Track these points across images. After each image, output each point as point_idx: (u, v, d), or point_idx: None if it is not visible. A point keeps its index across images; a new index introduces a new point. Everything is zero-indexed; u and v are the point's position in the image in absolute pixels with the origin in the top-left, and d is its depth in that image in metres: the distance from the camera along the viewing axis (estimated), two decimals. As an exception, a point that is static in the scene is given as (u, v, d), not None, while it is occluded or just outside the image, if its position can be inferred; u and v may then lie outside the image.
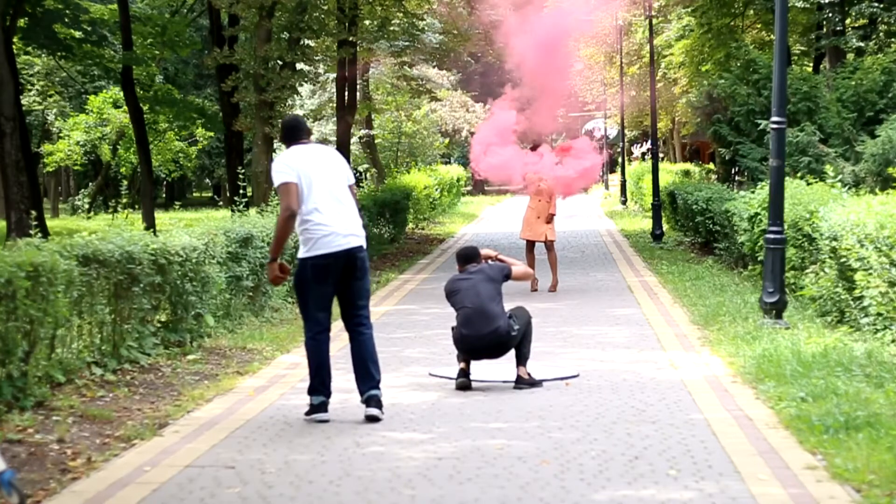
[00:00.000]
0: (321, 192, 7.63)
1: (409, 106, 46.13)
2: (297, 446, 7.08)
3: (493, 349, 8.87)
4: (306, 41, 23.11)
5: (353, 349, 7.85)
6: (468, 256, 9.29)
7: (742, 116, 24.87)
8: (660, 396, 8.43)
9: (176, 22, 30.79)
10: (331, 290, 7.72)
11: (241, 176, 24.27)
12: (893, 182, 15.66)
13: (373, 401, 7.72)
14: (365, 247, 7.79)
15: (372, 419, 7.67)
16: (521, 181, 16.57)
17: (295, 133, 7.92)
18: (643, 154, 57.81)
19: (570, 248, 23.62)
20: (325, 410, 7.78)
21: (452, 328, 9.02)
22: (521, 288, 15.48)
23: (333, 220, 7.61)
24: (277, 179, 7.65)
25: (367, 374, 7.77)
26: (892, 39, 29.11)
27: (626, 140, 47.45)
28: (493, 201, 49.18)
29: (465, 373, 8.87)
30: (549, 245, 16.11)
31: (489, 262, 9.32)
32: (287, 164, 7.67)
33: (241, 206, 15.35)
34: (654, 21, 31.11)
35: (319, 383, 7.78)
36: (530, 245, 16.13)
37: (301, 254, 7.73)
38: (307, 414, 7.80)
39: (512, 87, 17.41)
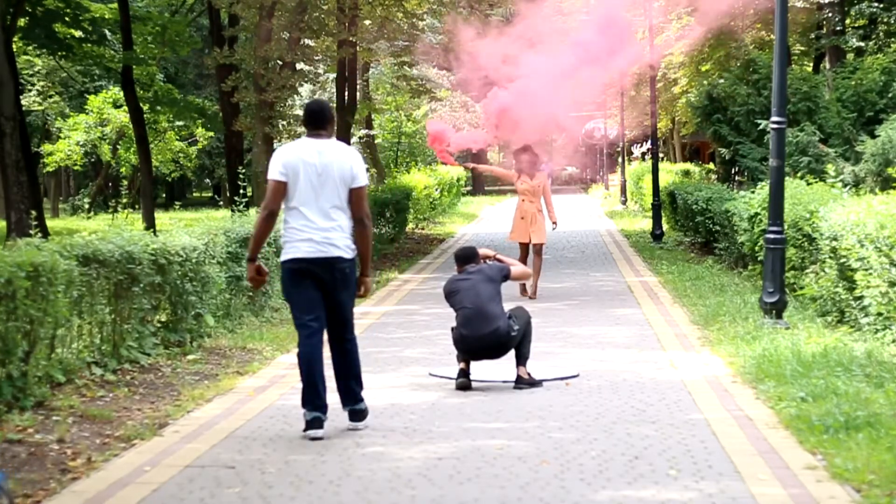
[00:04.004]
0: (307, 195, 7.24)
1: (409, 106, 46.09)
2: (297, 446, 7.08)
3: (492, 349, 8.86)
4: (306, 41, 23.11)
5: (334, 361, 7.51)
6: (467, 257, 9.29)
7: (742, 116, 24.88)
8: (660, 396, 8.43)
9: (176, 22, 30.80)
10: (314, 294, 7.29)
11: (241, 176, 24.28)
12: (893, 182, 15.68)
13: (356, 415, 7.51)
14: (347, 258, 7.30)
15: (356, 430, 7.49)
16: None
17: (311, 121, 7.43)
18: (643, 154, 57.79)
19: (570, 248, 23.61)
20: (320, 427, 7.31)
21: (452, 329, 9.02)
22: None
23: (310, 227, 7.23)
24: (269, 174, 7.39)
25: (347, 390, 7.47)
26: (892, 39, 29.14)
27: (626, 140, 47.45)
28: (492, 201, 49.16)
29: (465, 373, 8.87)
30: (536, 249, 15.39)
31: (487, 262, 9.32)
32: (281, 160, 7.33)
33: (241, 206, 15.35)
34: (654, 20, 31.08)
35: (312, 393, 7.30)
36: (523, 248, 15.48)
37: (281, 257, 7.47)
38: (304, 430, 7.42)
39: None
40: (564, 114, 15.99)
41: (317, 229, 7.24)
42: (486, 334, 8.75)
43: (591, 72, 15.62)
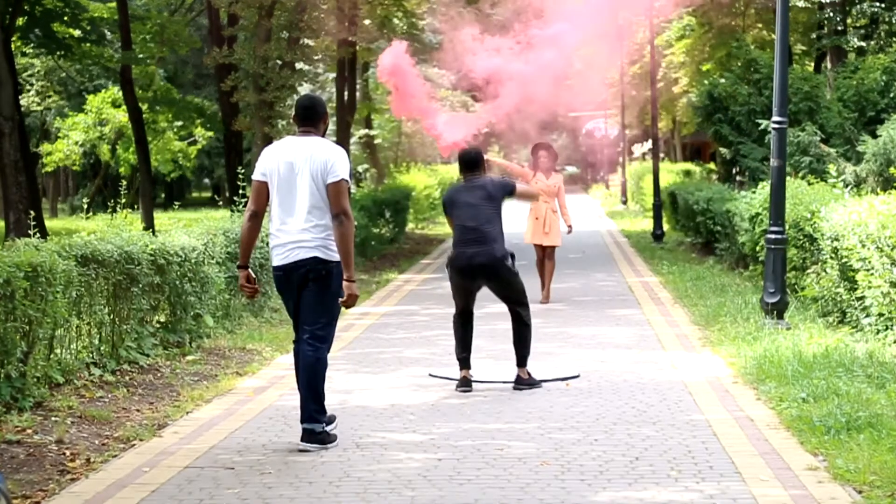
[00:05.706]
0: (282, 195, 6.99)
1: (409, 105, 45.97)
2: (296, 446, 7.05)
3: (483, 269, 8.57)
4: (306, 41, 23.08)
5: (300, 369, 7.08)
6: (471, 162, 8.72)
7: (743, 116, 24.85)
8: (660, 397, 8.41)
9: (175, 21, 30.80)
10: (291, 301, 7.09)
11: (240, 176, 24.19)
12: (895, 182, 15.65)
13: (304, 435, 6.98)
14: (323, 258, 6.93)
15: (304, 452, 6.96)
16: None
17: (300, 117, 7.15)
18: (644, 154, 57.81)
19: (570, 248, 23.58)
20: None
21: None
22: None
23: (282, 231, 6.99)
24: (254, 174, 7.26)
25: (302, 402, 7.01)
26: (894, 39, 29.09)
27: (626, 140, 47.45)
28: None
29: (466, 381, 8.80)
30: (549, 252, 14.91)
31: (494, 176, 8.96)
32: (263, 160, 7.10)
33: (241, 206, 15.30)
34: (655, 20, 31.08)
35: None
36: (538, 249, 14.96)
37: None
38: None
39: None
40: (566, 92, 15.48)
41: (287, 233, 6.97)
42: (480, 251, 8.49)
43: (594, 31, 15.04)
